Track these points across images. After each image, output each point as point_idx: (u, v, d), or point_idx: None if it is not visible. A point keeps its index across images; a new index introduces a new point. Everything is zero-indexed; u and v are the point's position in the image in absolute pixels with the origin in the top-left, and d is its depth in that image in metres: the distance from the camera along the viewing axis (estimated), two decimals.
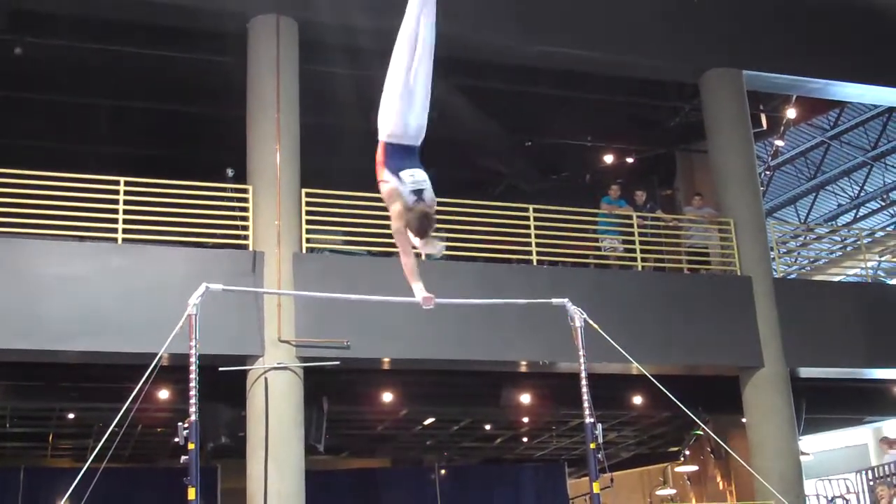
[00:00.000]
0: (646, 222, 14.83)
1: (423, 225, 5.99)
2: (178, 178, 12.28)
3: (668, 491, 22.63)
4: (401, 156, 6.08)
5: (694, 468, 21.49)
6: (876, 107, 22.41)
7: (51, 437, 18.72)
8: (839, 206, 28.13)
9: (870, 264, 17.57)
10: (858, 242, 17.66)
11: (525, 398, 16.61)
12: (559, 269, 14.22)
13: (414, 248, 6.21)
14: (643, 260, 14.31)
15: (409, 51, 6.07)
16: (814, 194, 27.82)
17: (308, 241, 12.47)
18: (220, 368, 11.19)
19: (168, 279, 11.29)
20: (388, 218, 6.22)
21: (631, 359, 8.16)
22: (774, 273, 14.78)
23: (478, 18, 14.06)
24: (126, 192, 11.79)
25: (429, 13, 6.12)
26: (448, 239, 13.51)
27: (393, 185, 6.03)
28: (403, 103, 6.00)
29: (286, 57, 12.91)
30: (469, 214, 13.52)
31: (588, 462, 7.26)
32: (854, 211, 28.06)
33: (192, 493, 6.28)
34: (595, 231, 14.77)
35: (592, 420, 7.22)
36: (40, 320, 10.92)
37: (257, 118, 12.72)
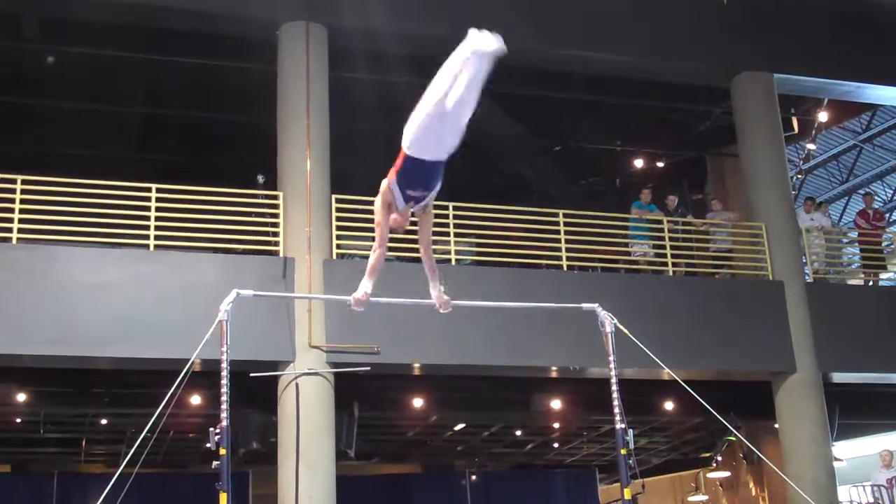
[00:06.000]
0: (677, 227, 14.77)
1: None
2: (209, 184, 12.36)
3: (701, 497, 22.51)
4: (421, 170, 5.99)
5: (726, 474, 21.37)
6: None
7: (84, 443, 18.83)
8: None
9: None
10: (893, 246, 17.49)
11: (555, 404, 16.57)
12: (589, 274, 14.21)
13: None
14: (674, 265, 14.25)
15: (453, 74, 5.73)
16: (846, 198, 27.62)
17: (338, 246, 12.50)
18: (252, 374, 11.23)
19: (199, 285, 11.35)
20: (417, 223, 6.30)
21: (662, 364, 8.12)
22: (807, 277, 14.68)
23: (507, 23, 14.00)
24: (158, 199, 11.86)
25: (483, 62, 5.70)
26: (478, 244, 13.54)
27: (389, 188, 6.06)
28: (432, 124, 5.78)
29: (316, 63, 12.95)
30: (499, 220, 13.52)
31: (619, 468, 7.24)
32: (888, 214, 27.81)
33: (223, 499, 6.30)
34: (625, 236, 14.74)
35: (623, 426, 7.19)
36: (73, 327, 11.00)
37: (288, 124, 12.76)
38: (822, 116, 18.92)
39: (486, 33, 5.58)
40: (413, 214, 6.29)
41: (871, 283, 16.15)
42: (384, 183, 6.10)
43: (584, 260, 14.08)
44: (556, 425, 19.57)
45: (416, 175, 5.99)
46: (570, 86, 16.47)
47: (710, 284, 14.63)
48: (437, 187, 6.18)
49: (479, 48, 5.55)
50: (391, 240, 6.44)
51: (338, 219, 12.47)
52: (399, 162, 6.01)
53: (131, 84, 15.54)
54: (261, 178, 12.64)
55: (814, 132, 19.91)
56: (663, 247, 14.25)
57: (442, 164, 6.03)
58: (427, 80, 5.76)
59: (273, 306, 11.62)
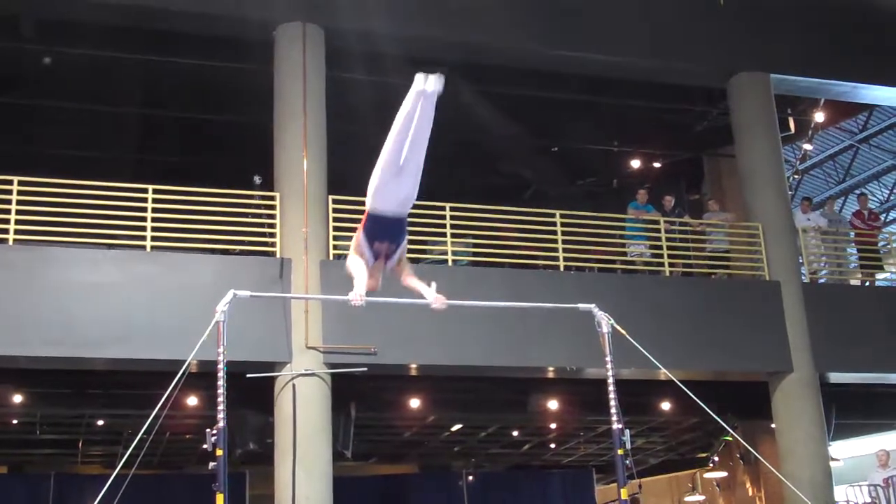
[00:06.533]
0: (673, 227, 14.78)
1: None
2: (206, 185, 12.35)
3: (698, 497, 22.52)
4: (384, 225, 6.53)
5: (723, 474, 21.37)
6: None
7: (80, 444, 18.82)
8: None
9: None
10: (889, 246, 17.50)
11: (552, 404, 16.58)
12: (586, 274, 14.22)
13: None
14: (671, 265, 14.25)
15: (404, 131, 6.17)
16: (843, 198, 27.64)
17: (335, 247, 12.50)
18: (248, 375, 11.22)
19: (196, 286, 11.34)
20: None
21: (659, 364, 8.12)
22: (804, 277, 14.69)
23: (503, 24, 14.07)
24: (154, 200, 11.86)
25: (427, 103, 6.12)
26: (475, 245, 13.55)
27: (359, 242, 6.58)
28: (391, 183, 6.32)
29: (312, 64, 12.96)
30: (495, 220, 13.52)
31: (616, 468, 7.24)
32: (884, 215, 27.84)
33: (220, 500, 6.30)
34: (622, 236, 14.74)
35: (620, 426, 7.19)
36: (69, 328, 11.00)
37: (284, 125, 12.76)
38: (819, 117, 18.92)
39: (430, 77, 6.03)
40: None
41: (867, 284, 16.16)
42: (354, 237, 6.62)
43: (580, 260, 14.09)
44: (553, 426, 19.57)
45: (381, 230, 6.54)
46: (567, 86, 16.48)
47: (707, 285, 14.64)
48: (405, 241, 6.67)
49: (421, 88, 6.04)
50: None
51: (335, 219, 12.46)
52: (364, 219, 6.58)
53: (128, 85, 15.53)
54: (257, 179, 12.63)
55: (810, 132, 19.93)
56: (660, 247, 14.26)
57: (404, 220, 6.59)
58: None
59: (270, 307, 11.62)
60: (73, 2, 12.71)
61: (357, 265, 6.56)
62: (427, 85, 6.04)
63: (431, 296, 6.69)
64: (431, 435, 20.26)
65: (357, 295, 6.42)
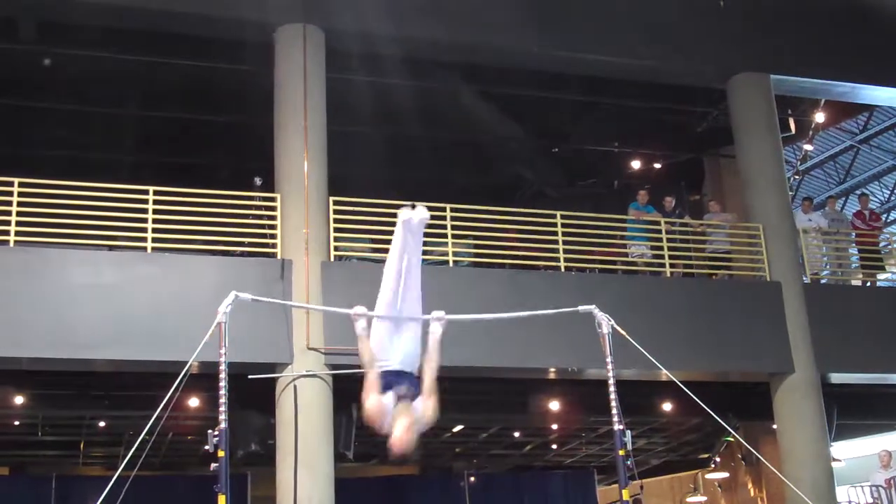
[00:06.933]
0: (674, 228, 14.77)
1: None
2: (207, 186, 12.35)
3: (699, 498, 22.52)
4: (395, 375, 6.46)
5: (725, 475, 21.37)
6: None
7: (82, 446, 18.82)
8: None
9: None
10: (890, 247, 17.50)
11: (554, 405, 16.57)
12: (587, 275, 14.19)
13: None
14: (671, 266, 14.24)
15: (395, 280, 6.30)
16: (843, 199, 27.64)
17: (336, 248, 12.50)
18: (250, 376, 11.22)
19: (197, 288, 11.35)
20: None
21: (660, 365, 8.11)
22: (805, 278, 14.68)
23: (503, 25, 14.07)
24: (155, 201, 11.86)
25: (413, 249, 6.25)
26: (476, 246, 13.55)
27: (377, 400, 6.43)
28: (392, 338, 6.41)
29: (313, 65, 12.95)
30: (496, 221, 13.52)
31: (617, 469, 7.22)
32: (885, 215, 27.83)
33: (222, 501, 6.29)
34: (623, 237, 14.73)
35: (621, 427, 7.17)
36: (70, 329, 10.99)
37: (285, 126, 12.76)
38: (819, 117, 18.92)
39: (416, 209, 6.18)
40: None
41: (868, 284, 16.16)
42: (368, 398, 6.46)
43: (581, 261, 14.08)
44: (555, 427, 19.57)
45: (394, 380, 6.46)
46: (568, 87, 16.48)
47: (708, 285, 14.63)
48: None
49: (406, 218, 6.19)
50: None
51: (335, 220, 12.47)
52: (374, 378, 6.39)
53: (129, 86, 15.55)
54: (258, 181, 12.65)
55: (811, 133, 19.92)
56: (661, 248, 14.25)
57: (413, 374, 6.54)
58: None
59: (271, 308, 11.59)
60: (73, 4, 12.70)
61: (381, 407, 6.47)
62: (413, 214, 6.15)
63: (438, 323, 6.71)
64: (433, 436, 20.23)
65: (359, 308, 6.47)
